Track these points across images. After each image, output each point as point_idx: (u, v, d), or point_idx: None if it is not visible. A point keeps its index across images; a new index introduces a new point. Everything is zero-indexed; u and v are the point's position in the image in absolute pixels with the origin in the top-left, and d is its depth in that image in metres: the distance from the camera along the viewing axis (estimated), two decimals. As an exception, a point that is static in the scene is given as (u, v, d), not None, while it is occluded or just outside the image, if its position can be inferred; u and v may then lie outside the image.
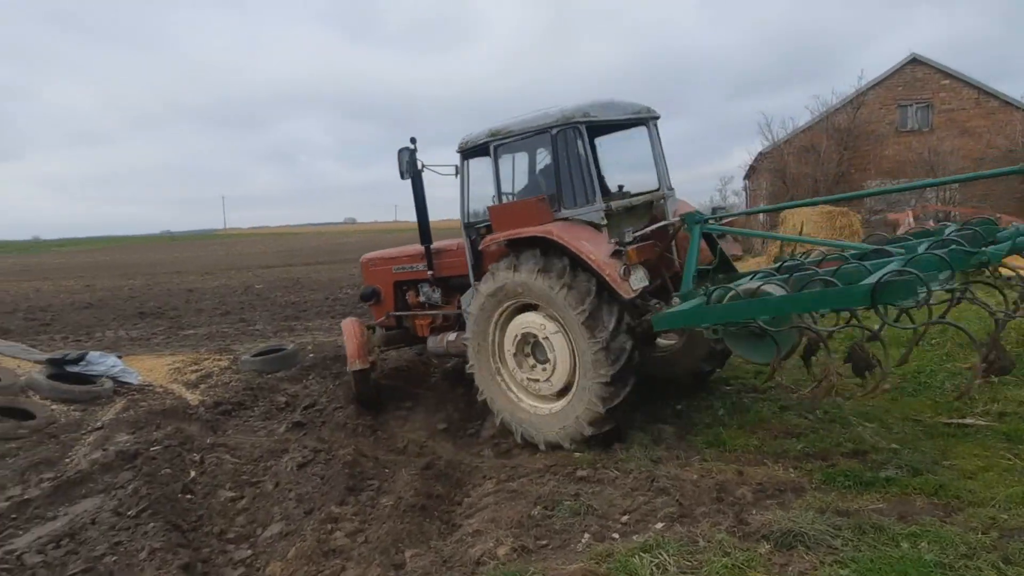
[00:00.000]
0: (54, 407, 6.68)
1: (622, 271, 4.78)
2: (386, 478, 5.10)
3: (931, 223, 11.69)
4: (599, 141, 6.08)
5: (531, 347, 5.39)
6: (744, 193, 31.63)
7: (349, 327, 6.84)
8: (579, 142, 5.24)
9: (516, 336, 5.40)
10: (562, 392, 5.25)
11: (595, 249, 4.85)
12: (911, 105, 21.15)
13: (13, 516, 4.66)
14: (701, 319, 4.43)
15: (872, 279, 3.66)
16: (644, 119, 5.80)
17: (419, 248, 6.76)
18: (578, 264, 4.91)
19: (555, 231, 4.99)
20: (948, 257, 3.80)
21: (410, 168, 6.20)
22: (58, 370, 7.21)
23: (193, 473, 5.36)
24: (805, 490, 3.95)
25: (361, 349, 6.60)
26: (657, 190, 5.86)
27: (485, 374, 5.65)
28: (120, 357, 8.09)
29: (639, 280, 4.87)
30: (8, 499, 4.88)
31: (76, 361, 7.24)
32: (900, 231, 11.98)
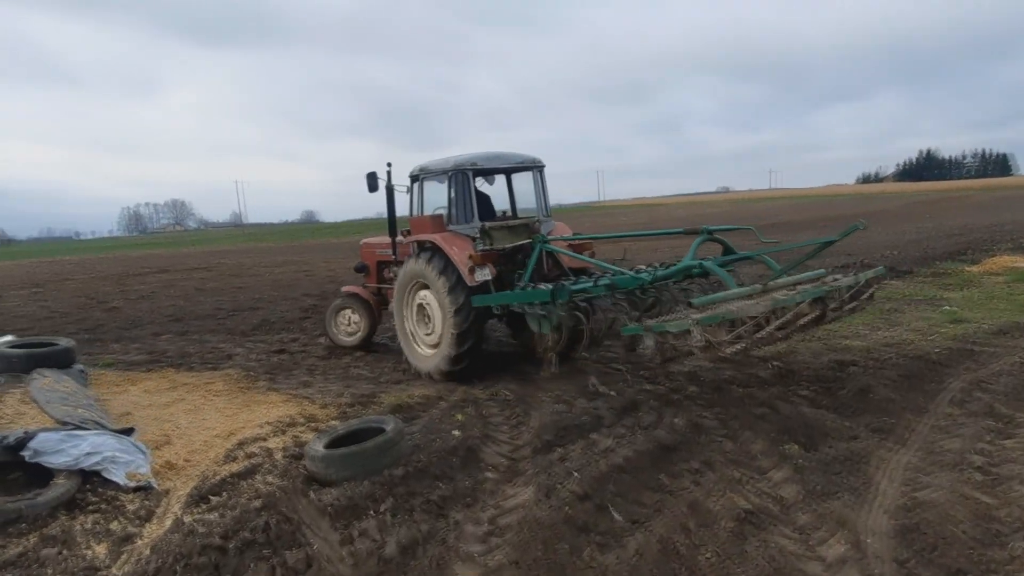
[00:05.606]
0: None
1: (469, 267, 6.90)
2: None
3: None
4: (515, 178, 8.56)
5: (424, 312, 7.70)
6: None
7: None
8: (465, 182, 7.48)
9: (416, 304, 7.85)
10: (436, 344, 7.56)
11: (458, 252, 7.05)
12: None
13: None
14: (509, 300, 6.97)
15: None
16: (528, 166, 8.08)
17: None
18: (449, 261, 7.11)
19: (438, 239, 7.26)
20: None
21: (374, 186, 8.23)
22: (9, 457, 4.58)
23: None
24: None
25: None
26: (533, 216, 8.02)
27: (399, 326, 8.11)
28: (131, 431, 5.24)
29: (483, 275, 6.96)
30: None
31: (16, 448, 4.50)
32: None
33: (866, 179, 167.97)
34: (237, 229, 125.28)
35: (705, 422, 5.62)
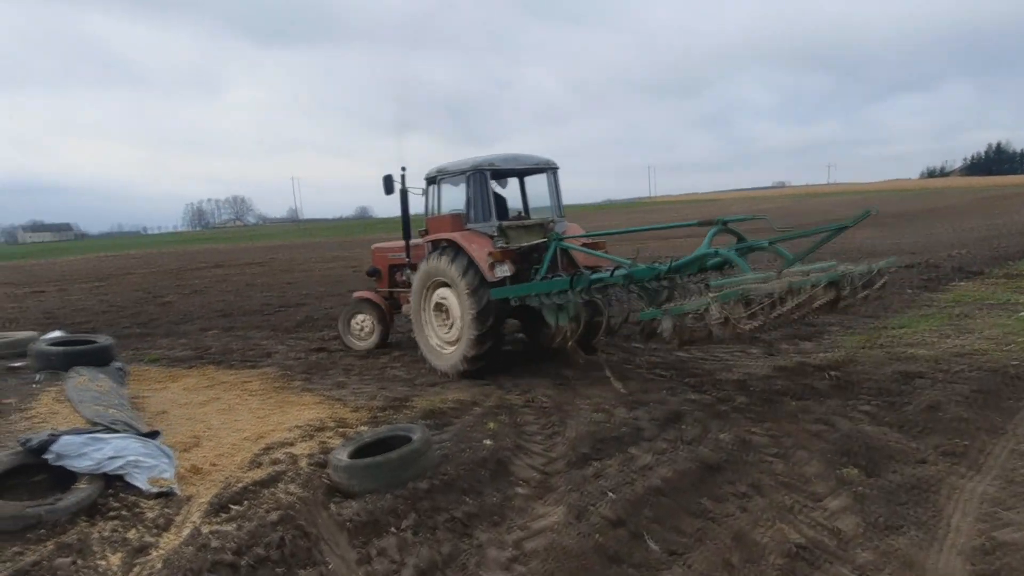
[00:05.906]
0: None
1: (490, 264, 7.10)
2: None
3: None
4: (527, 180, 8.77)
5: (443, 310, 7.83)
6: None
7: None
8: (484, 182, 7.66)
9: (434, 303, 7.97)
10: (455, 342, 7.68)
11: (478, 250, 7.25)
12: None
13: None
14: (528, 291, 7.05)
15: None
16: (543, 168, 8.24)
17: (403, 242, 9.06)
18: (469, 258, 7.26)
19: (457, 237, 7.47)
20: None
21: (389, 189, 8.48)
22: (33, 459, 4.55)
23: None
24: None
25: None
26: (548, 217, 8.15)
27: (417, 326, 8.19)
28: (156, 434, 5.16)
29: (502, 271, 7.14)
30: None
31: (39, 450, 4.46)
32: None
33: (931, 173, 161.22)
34: (293, 224, 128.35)
35: (754, 438, 5.21)
